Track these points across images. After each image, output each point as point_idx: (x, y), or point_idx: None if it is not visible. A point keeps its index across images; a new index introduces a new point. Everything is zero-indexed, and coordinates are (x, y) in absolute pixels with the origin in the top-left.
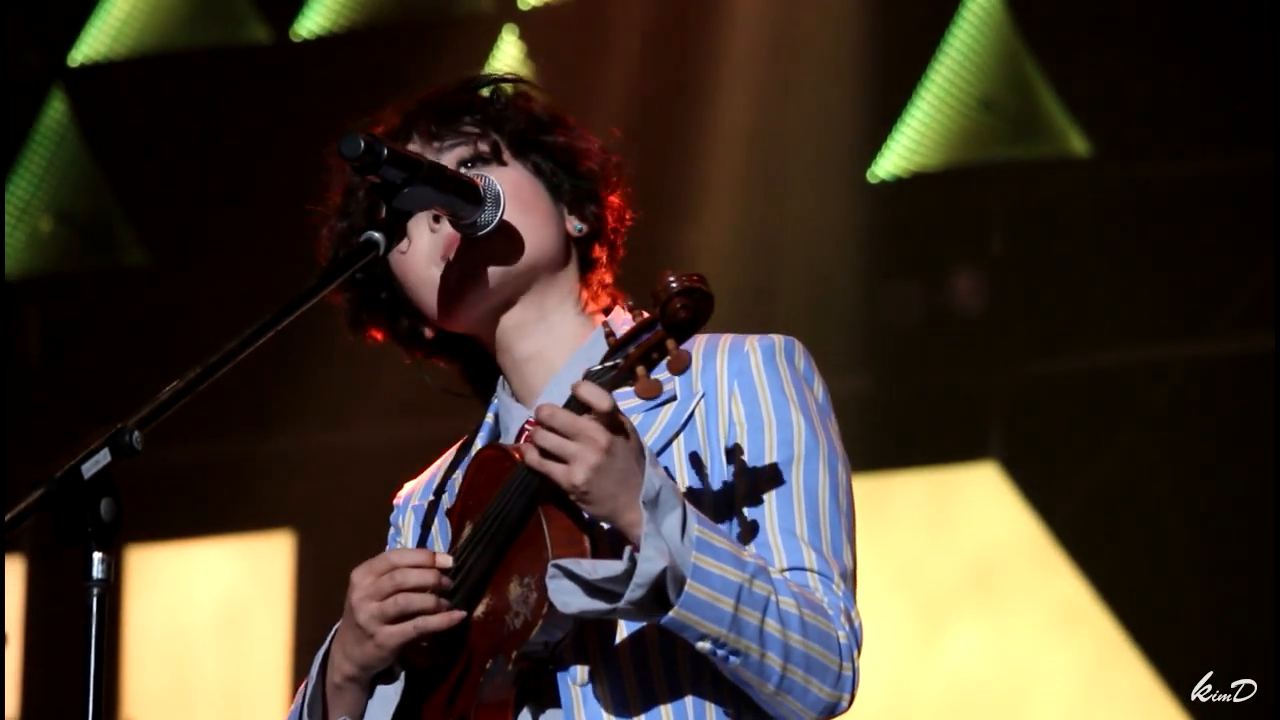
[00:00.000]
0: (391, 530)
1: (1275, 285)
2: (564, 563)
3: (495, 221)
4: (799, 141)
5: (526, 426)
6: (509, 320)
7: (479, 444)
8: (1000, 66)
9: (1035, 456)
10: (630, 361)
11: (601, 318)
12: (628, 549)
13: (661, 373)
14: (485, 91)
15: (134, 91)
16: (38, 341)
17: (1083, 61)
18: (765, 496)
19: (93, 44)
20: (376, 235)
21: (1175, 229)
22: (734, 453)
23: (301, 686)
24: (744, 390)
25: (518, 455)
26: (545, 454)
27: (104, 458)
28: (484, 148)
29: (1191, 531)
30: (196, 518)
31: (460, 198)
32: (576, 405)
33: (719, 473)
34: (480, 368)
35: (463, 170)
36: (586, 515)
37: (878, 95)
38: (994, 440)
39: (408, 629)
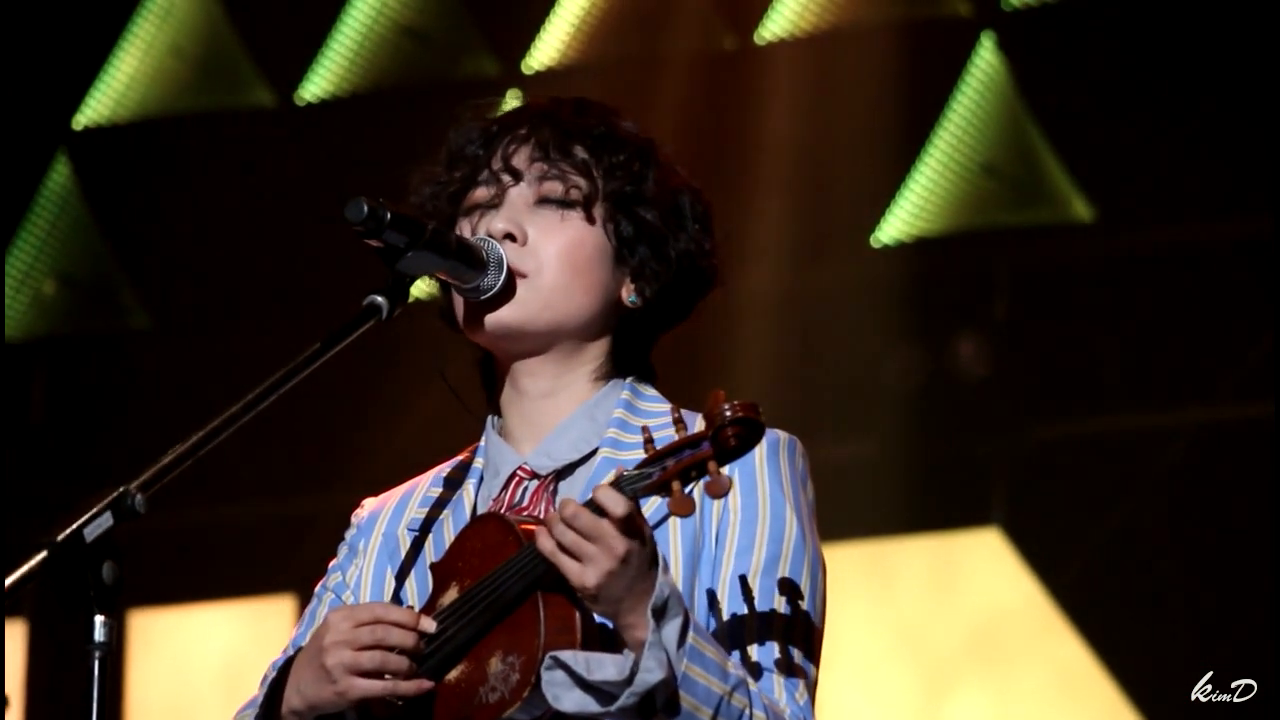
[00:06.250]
0: (345, 550)
1: (1278, 351)
2: (562, 656)
3: (498, 286)
4: (802, 206)
5: (519, 474)
6: (523, 367)
7: (470, 491)
8: (1004, 132)
9: (1038, 521)
10: (668, 475)
11: (617, 380)
12: (627, 653)
13: (695, 491)
14: (619, 132)
15: (138, 155)
16: (41, 404)
17: (1086, 127)
18: (749, 590)
19: (97, 107)
20: (379, 299)
21: (1178, 295)
22: (724, 539)
23: (249, 700)
24: (743, 479)
25: (525, 537)
26: (561, 548)
27: (106, 521)
28: (576, 196)
29: (1195, 597)
30: (199, 581)
31: (463, 263)
32: (596, 507)
33: (707, 557)
34: (492, 368)
35: (542, 205)
36: (586, 608)
37: (881, 160)
38: (997, 505)
39: (376, 687)
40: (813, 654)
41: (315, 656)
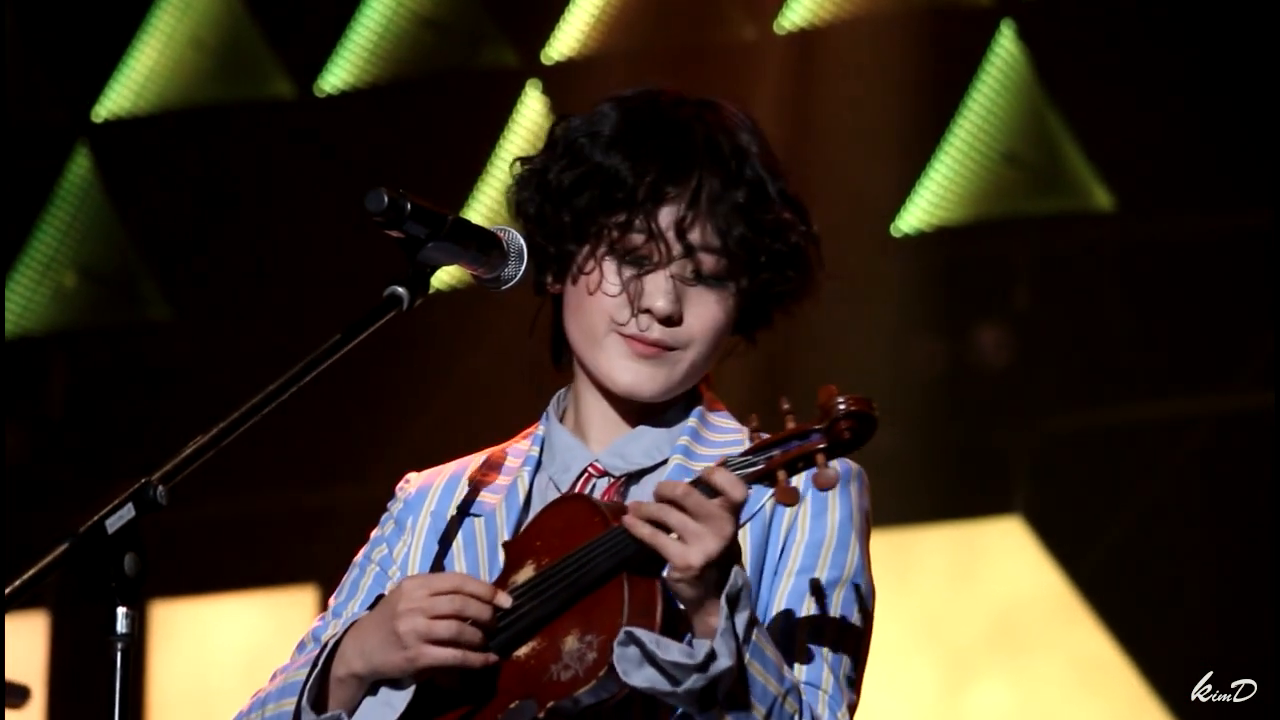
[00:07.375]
0: (391, 525)
1: None
2: (637, 632)
3: (518, 277)
4: (823, 196)
5: (590, 471)
6: (621, 398)
7: (525, 477)
8: (1024, 121)
9: (1059, 510)
10: (774, 464)
11: (691, 392)
12: (697, 642)
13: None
14: (787, 217)
15: (158, 147)
16: (61, 396)
17: (1107, 116)
18: (805, 607)
19: (117, 99)
20: (400, 290)
21: (1199, 284)
22: (787, 555)
23: (284, 666)
24: (815, 501)
25: (614, 517)
26: (661, 529)
27: (128, 513)
28: (737, 288)
29: (1215, 585)
30: (221, 572)
31: (483, 254)
32: (705, 488)
33: (769, 567)
34: (562, 343)
35: (700, 279)
36: (669, 594)
37: (902, 150)
38: (1018, 494)
39: (447, 656)
40: (857, 678)
41: (386, 621)
